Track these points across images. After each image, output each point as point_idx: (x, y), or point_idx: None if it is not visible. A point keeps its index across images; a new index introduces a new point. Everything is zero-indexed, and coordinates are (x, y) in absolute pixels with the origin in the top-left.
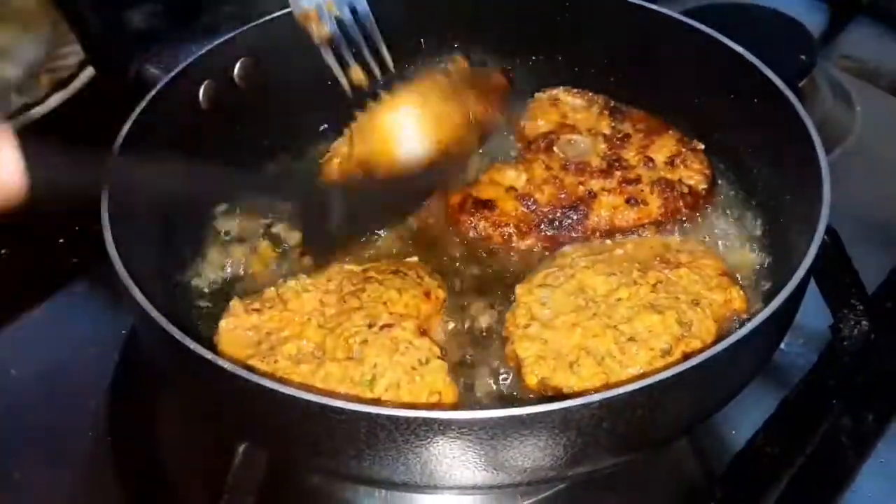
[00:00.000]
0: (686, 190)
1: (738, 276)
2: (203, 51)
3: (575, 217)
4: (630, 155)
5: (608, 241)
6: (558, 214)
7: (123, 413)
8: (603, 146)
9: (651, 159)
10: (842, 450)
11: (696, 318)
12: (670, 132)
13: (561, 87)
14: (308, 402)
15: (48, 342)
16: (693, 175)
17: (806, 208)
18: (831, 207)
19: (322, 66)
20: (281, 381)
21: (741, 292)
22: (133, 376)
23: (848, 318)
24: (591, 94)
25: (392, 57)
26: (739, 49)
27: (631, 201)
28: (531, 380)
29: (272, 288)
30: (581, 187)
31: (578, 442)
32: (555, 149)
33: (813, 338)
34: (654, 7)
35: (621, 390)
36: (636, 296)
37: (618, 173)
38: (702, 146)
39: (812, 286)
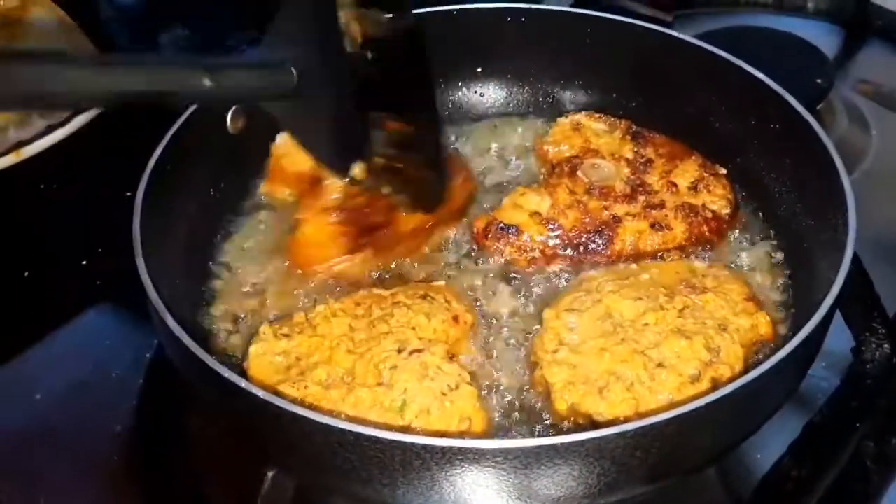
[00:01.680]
0: (710, 215)
1: (762, 300)
2: None
3: (600, 241)
4: (653, 180)
5: (633, 266)
6: (583, 239)
7: (149, 437)
8: (626, 171)
9: (675, 184)
10: (866, 473)
11: (723, 344)
12: (693, 157)
13: (583, 112)
14: (343, 430)
15: (71, 365)
16: (716, 200)
17: (830, 234)
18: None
19: None
20: (312, 407)
21: (767, 318)
22: (159, 399)
23: (870, 341)
24: (613, 118)
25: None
26: (758, 74)
27: (655, 226)
28: (561, 405)
29: (302, 313)
30: (605, 212)
31: (612, 470)
32: (578, 173)
33: (835, 361)
34: (671, 32)
35: (656, 419)
36: (663, 321)
37: (642, 198)
38: (724, 171)
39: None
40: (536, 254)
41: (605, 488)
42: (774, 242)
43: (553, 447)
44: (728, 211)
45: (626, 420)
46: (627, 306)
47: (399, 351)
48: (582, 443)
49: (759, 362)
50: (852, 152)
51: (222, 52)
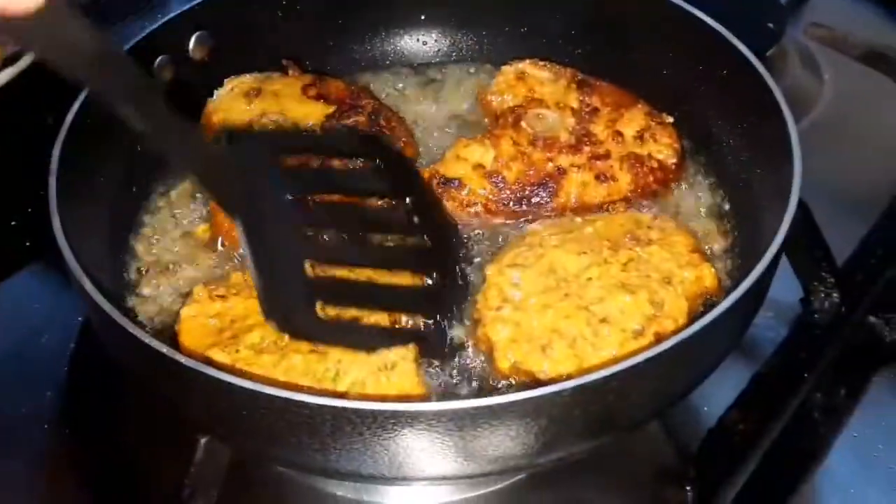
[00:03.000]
0: (656, 165)
1: (708, 252)
2: (155, 26)
3: (544, 194)
4: (599, 129)
5: (578, 219)
6: (527, 192)
7: (80, 403)
8: (571, 120)
9: (620, 133)
10: (814, 424)
11: (667, 298)
12: (639, 105)
13: (528, 60)
14: (270, 396)
15: (0, 329)
16: (662, 149)
17: (776, 182)
18: (801, 178)
19: (278, 42)
20: (241, 373)
21: (712, 269)
22: (90, 365)
23: (818, 290)
24: (558, 66)
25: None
26: (706, 19)
27: (600, 178)
28: (503, 364)
29: (239, 273)
30: (550, 164)
31: (550, 429)
32: (523, 123)
33: (784, 311)
34: None
35: (593, 377)
36: (607, 275)
37: (587, 149)
38: (671, 119)
39: (782, 259)
40: (479, 208)
41: (545, 447)
42: (721, 192)
43: (488, 408)
44: (674, 160)
45: (569, 378)
46: (571, 260)
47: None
48: (519, 402)
49: (703, 314)
50: (805, 98)
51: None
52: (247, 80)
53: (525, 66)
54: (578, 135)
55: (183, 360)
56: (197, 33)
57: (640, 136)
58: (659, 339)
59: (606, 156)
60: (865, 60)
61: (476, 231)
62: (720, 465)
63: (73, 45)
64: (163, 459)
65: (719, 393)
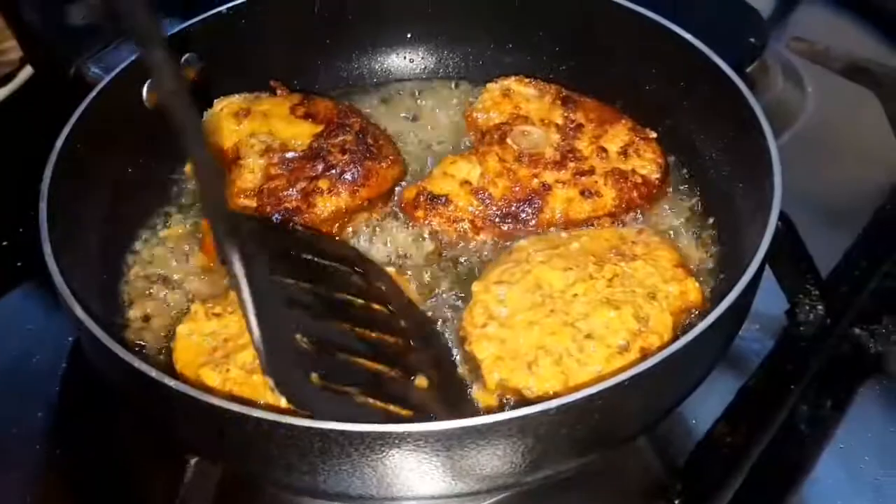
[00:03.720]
0: (640, 180)
1: (692, 266)
2: None
3: (529, 211)
4: (583, 145)
5: (563, 234)
6: (513, 209)
7: (71, 423)
8: (556, 137)
9: (604, 149)
10: (801, 437)
11: (652, 313)
12: (623, 121)
13: (513, 77)
14: (258, 419)
15: None
16: (646, 164)
17: (758, 196)
18: (784, 192)
19: (267, 62)
20: (230, 396)
21: (696, 284)
22: (81, 385)
23: (803, 303)
24: (543, 83)
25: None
26: (687, 35)
27: (585, 193)
28: (490, 381)
29: None
30: (535, 180)
31: (537, 448)
32: (508, 140)
33: (769, 324)
34: None
35: (578, 395)
36: (592, 290)
37: (571, 164)
38: (654, 134)
39: (767, 272)
40: (466, 224)
41: (532, 466)
42: (705, 207)
43: (475, 428)
44: (658, 175)
45: (556, 395)
46: (557, 277)
47: None
48: (504, 422)
49: (688, 329)
50: (788, 111)
51: None
52: (236, 100)
53: (510, 82)
54: (563, 151)
55: (172, 383)
56: (186, 55)
57: (623, 152)
58: (644, 354)
59: (591, 171)
60: (846, 73)
61: (462, 247)
62: (708, 479)
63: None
64: (153, 480)
65: (707, 406)
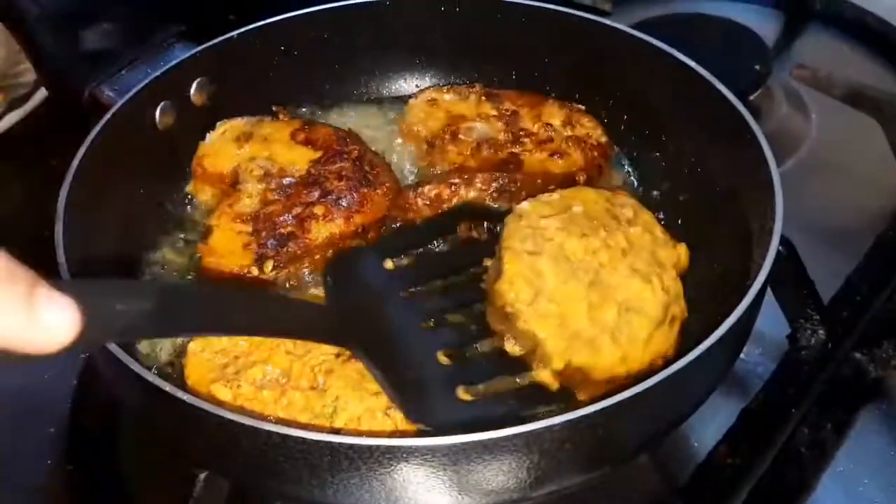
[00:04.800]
0: (595, 142)
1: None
2: (158, 72)
3: (512, 166)
4: (529, 125)
5: (555, 196)
6: (496, 176)
7: (83, 439)
8: (500, 124)
9: (549, 124)
10: (801, 459)
11: (669, 281)
12: (550, 101)
13: (431, 88)
14: (269, 432)
15: (3, 368)
16: (590, 130)
17: (760, 220)
18: (786, 217)
19: (275, 86)
20: (241, 410)
21: (685, 247)
22: (92, 401)
23: (805, 327)
24: (459, 87)
25: None
26: (689, 62)
27: (555, 155)
28: (558, 361)
29: None
30: (503, 153)
31: (542, 464)
32: (461, 136)
33: (771, 347)
34: (606, 22)
35: (582, 412)
36: (615, 260)
37: (527, 140)
38: (583, 107)
39: (769, 296)
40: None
41: (538, 481)
42: (708, 229)
43: (481, 443)
44: (605, 138)
45: (615, 377)
46: (577, 244)
47: (337, 355)
48: (510, 437)
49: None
50: (792, 137)
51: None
52: (238, 123)
53: (431, 93)
54: (514, 132)
55: (185, 397)
56: (198, 79)
57: (567, 124)
58: (675, 323)
59: (550, 140)
60: (848, 100)
61: None
62: (709, 499)
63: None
64: (163, 494)
65: (709, 428)
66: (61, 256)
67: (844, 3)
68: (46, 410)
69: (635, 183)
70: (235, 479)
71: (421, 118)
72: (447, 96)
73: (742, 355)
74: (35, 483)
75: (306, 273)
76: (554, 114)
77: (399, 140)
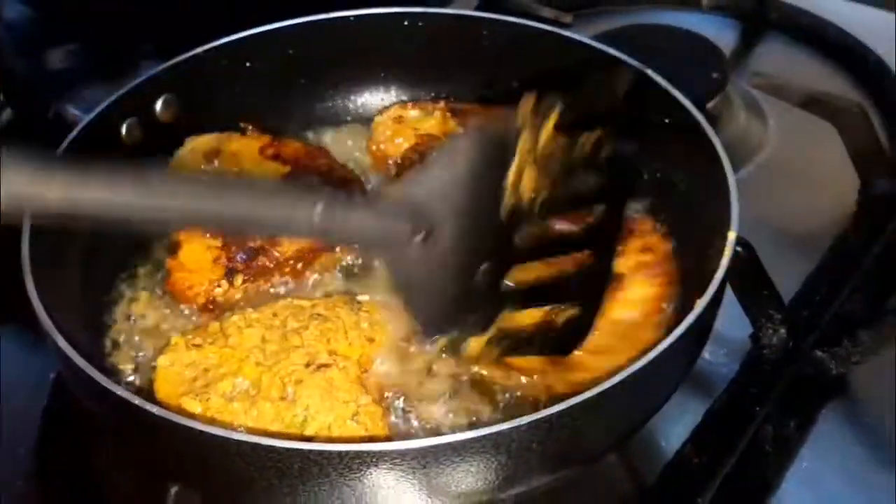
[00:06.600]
0: None
1: None
2: (123, 90)
3: None
4: None
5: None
6: None
7: (54, 460)
8: None
9: None
10: (766, 457)
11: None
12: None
13: (395, 105)
14: (239, 442)
15: None
16: None
17: (719, 223)
18: (747, 220)
19: (240, 101)
20: (211, 421)
21: None
22: (62, 421)
23: (767, 327)
24: (424, 103)
25: None
26: (647, 70)
27: None
28: None
29: (216, 322)
30: None
31: (510, 464)
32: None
33: (735, 348)
34: (564, 33)
35: (546, 413)
36: None
37: None
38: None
39: (732, 298)
40: None
41: (506, 482)
42: (670, 235)
43: (449, 445)
44: None
45: None
46: None
47: (307, 365)
48: (477, 439)
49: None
50: (750, 143)
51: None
52: (206, 139)
53: (396, 110)
54: None
55: (155, 410)
56: (164, 96)
57: None
58: None
59: None
60: (804, 106)
61: None
62: (677, 498)
63: None
64: None
65: (677, 428)
66: (27, 271)
67: (801, 11)
68: (16, 432)
69: None
70: (207, 491)
71: (388, 136)
72: (412, 112)
73: (707, 356)
74: (7, 502)
75: (276, 286)
76: None
77: (366, 155)
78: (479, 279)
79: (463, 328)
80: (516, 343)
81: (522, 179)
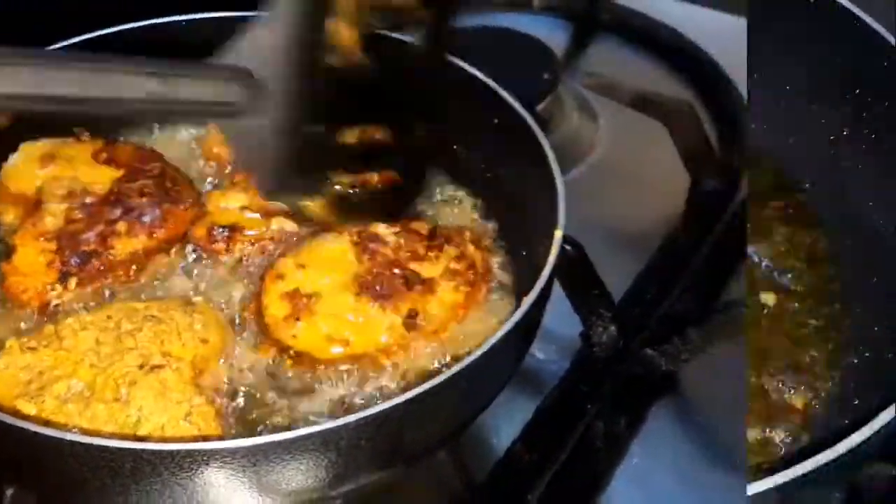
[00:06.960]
0: None
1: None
2: None
3: None
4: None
5: None
6: None
7: None
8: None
9: None
10: (596, 454)
11: None
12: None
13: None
14: (72, 443)
15: None
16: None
17: (548, 223)
18: (577, 220)
19: None
20: (45, 423)
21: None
22: None
23: (597, 325)
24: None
25: None
26: (477, 73)
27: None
28: None
29: (52, 325)
30: None
31: (340, 462)
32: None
33: (566, 346)
34: (392, 35)
35: (373, 410)
36: None
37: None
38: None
39: (563, 296)
40: (267, 241)
41: (336, 479)
42: (500, 235)
43: (279, 443)
44: None
45: None
46: None
47: (140, 367)
48: (307, 436)
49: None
50: (582, 143)
51: None
52: (41, 145)
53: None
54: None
55: None
56: None
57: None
58: None
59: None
60: (636, 106)
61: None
62: (506, 496)
63: None
64: None
65: (508, 425)
66: None
67: (633, 13)
68: None
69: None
70: (42, 492)
71: (220, 139)
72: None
73: (538, 354)
74: None
75: (111, 288)
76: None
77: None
78: (311, 140)
79: (303, 191)
80: (350, 208)
81: (340, 31)
